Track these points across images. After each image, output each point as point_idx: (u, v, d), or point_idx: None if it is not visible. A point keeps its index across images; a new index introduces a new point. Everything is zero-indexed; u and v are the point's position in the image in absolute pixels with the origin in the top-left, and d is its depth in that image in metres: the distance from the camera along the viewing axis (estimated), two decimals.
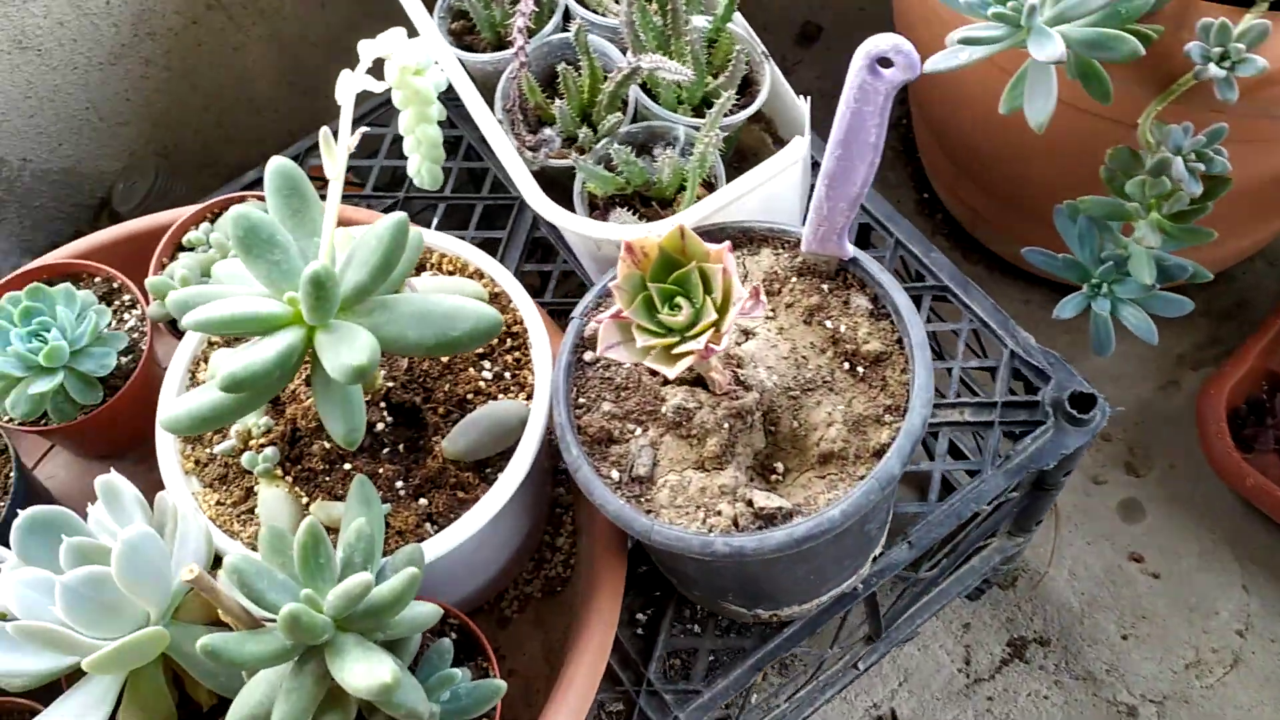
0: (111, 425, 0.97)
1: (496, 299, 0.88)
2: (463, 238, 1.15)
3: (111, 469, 0.78)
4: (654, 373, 0.81)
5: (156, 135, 1.30)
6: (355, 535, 0.71)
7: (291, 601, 0.68)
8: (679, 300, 0.71)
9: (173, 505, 0.81)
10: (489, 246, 1.12)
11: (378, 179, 1.19)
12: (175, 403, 0.74)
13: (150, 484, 0.80)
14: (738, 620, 0.93)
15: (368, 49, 0.83)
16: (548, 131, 1.00)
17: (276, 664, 0.69)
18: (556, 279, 1.12)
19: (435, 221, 1.14)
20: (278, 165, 0.77)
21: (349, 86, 0.79)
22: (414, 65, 0.86)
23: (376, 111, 1.20)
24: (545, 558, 0.96)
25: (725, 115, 0.92)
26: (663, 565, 0.90)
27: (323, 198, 0.77)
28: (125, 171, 1.30)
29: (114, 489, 0.80)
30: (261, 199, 1.00)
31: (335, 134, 0.77)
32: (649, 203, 0.97)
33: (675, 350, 0.71)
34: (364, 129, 0.77)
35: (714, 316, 0.70)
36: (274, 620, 0.70)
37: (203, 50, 1.26)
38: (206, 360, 0.87)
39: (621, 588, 0.87)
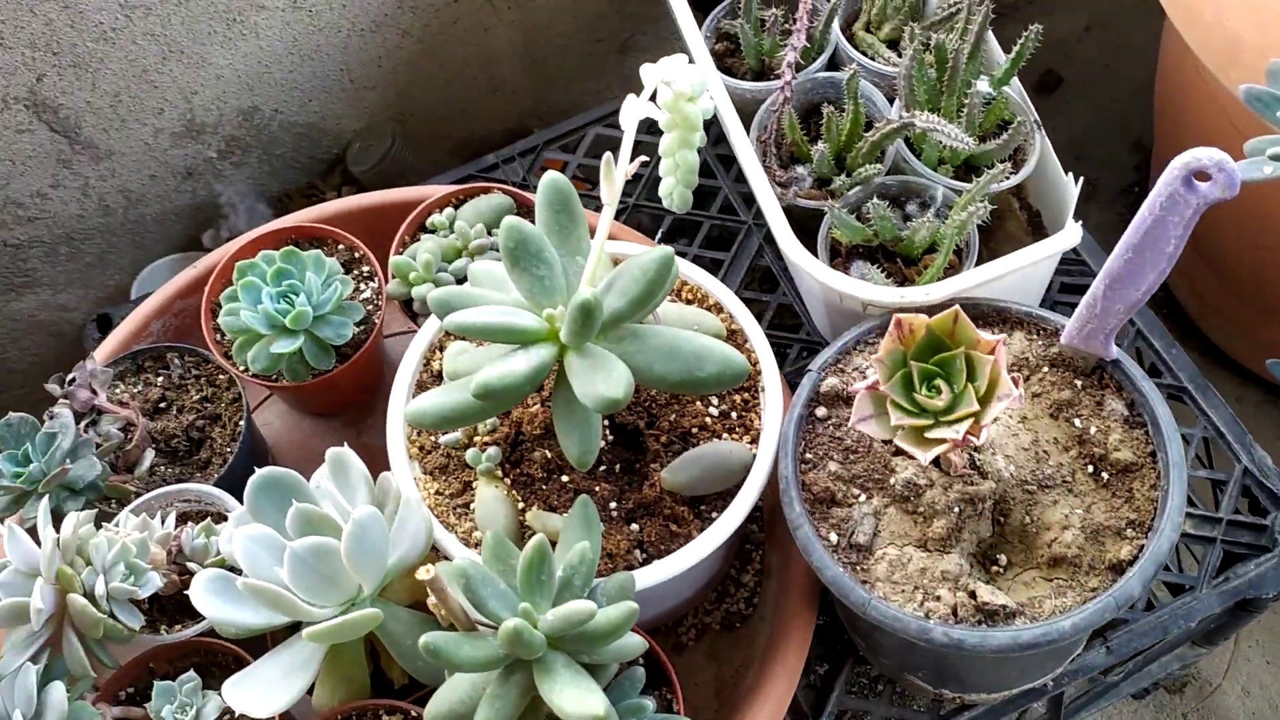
0: (331, 389, 1.00)
1: (733, 336, 0.88)
2: (684, 254, 1.16)
3: (332, 437, 0.80)
4: (888, 440, 0.80)
5: (397, 103, 1.34)
6: (579, 558, 0.72)
7: (510, 613, 0.70)
8: (939, 382, 0.70)
9: (396, 488, 0.83)
10: (711, 267, 1.12)
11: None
12: (423, 399, 0.77)
13: (355, 447, 0.82)
14: (918, 694, 0.91)
15: (651, 74, 0.83)
16: (800, 170, 0.99)
17: (486, 670, 0.71)
18: (774, 310, 1.12)
19: (659, 235, 1.15)
20: (552, 180, 0.78)
21: (633, 112, 0.79)
22: (689, 91, 0.86)
23: (609, 117, 1.21)
24: (728, 591, 0.96)
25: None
26: (854, 628, 0.89)
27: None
28: (362, 133, 1.34)
29: (343, 462, 0.83)
30: (504, 188, 1.02)
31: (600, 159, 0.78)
32: (892, 258, 0.95)
33: (929, 434, 0.70)
34: (643, 159, 0.78)
35: (974, 407, 0.69)
36: (489, 625, 0.72)
37: (456, 28, 1.29)
38: (441, 349, 0.89)
39: (808, 643, 0.87)
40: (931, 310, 0.83)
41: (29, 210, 1.23)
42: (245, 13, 1.15)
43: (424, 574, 0.67)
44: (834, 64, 1.03)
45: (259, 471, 0.80)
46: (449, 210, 1.02)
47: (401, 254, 0.99)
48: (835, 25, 1.01)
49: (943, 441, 0.68)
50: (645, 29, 1.42)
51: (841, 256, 0.96)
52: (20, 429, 0.89)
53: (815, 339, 1.08)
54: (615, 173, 0.76)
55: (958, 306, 0.69)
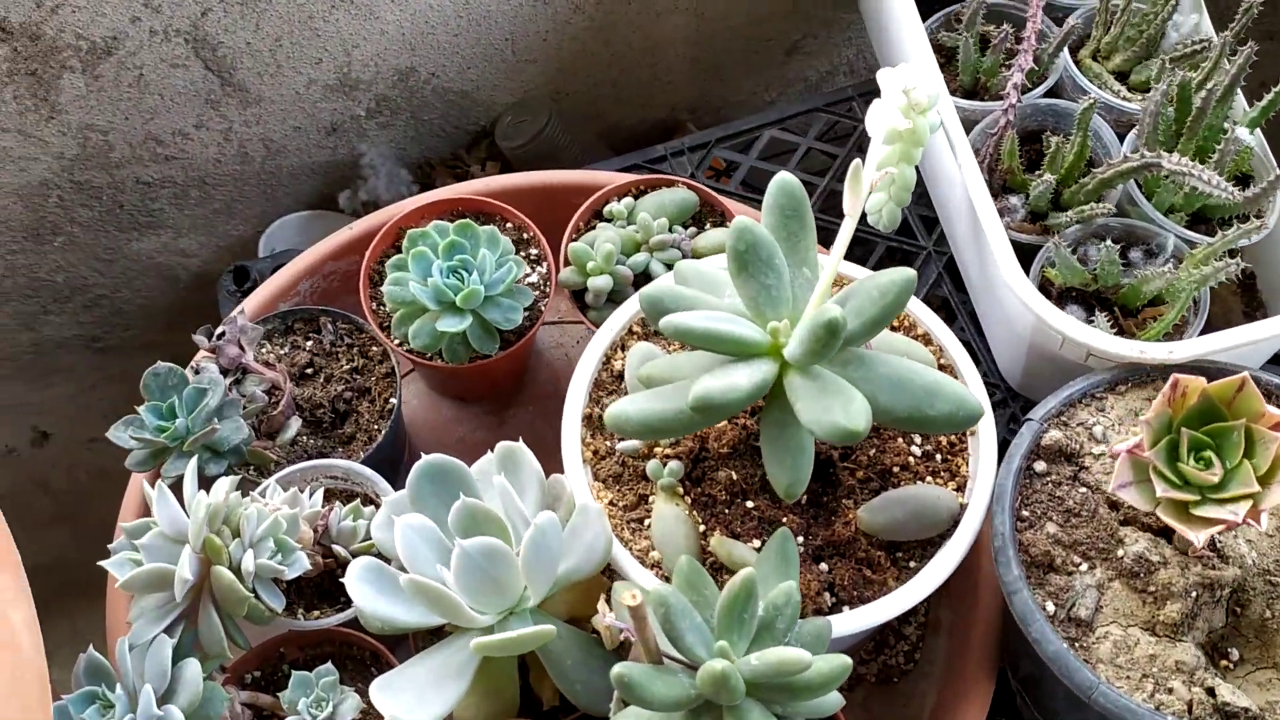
0: (483, 375, 0.95)
1: (944, 371, 0.81)
2: None
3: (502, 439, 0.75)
4: (1114, 505, 0.73)
5: (556, 79, 1.28)
6: (784, 599, 0.66)
7: (705, 651, 0.64)
8: (1208, 454, 0.64)
9: (569, 493, 0.77)
10: None
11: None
12: (627, 404, 0.71)
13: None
14: None
15: (891, 79, 0.77)
16: (1013, 200, 0.93)
17: (675, 710, 0.65)
18: None
19: (874, 259, 1.09)
20: (784, 182, 0.72)
21: (880, 118, 0.73)
22: (925, 103, 0.80)
23: (786, 121, 1.15)
24: (887, 642, 0.90)
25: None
26: (1039, 704, 0.83)
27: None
28: (514, 107, 1.29)
29: (516, 458, 0.78)
30: (689, 184, 0.96)
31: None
32: (1107, 305, 0.89)
33: (1195, 510, 0.63)
34: (891, 170, 0.72)
35: (1253, 487, 0.62)
36: (680, 661, 0.66)
37: (630, 8, 1.23)
38: (623, 348, 0.84)
39: (985, 715, 0.80)
40: (1166, 370, 0.77)
41: (167, 149, 1.18)
42: None
43: (629, 599, 0.61)
44: (1053, 91, 0.96)
45: (425, 458, 0.75)
46: (628, 200, 0.96)
47: (577, 240, 0.93)
48: (1065, 51, 0.94)
49: (1216, 522, 0.62)
50: (817, 32, 1.35)
51: (1051, 297, 0.89)
52: (168, 380, 0.84)
53: (993, 381, 1.01)
54: (862, 181, 0.70)
55: (1246, 374, 0.63)
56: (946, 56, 0.99)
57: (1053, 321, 0.81)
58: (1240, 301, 0.94)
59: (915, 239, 1.10)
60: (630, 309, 0.83)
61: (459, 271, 0.88)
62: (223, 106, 1.16)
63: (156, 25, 1.05)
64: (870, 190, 0.70)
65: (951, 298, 1.06)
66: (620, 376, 0.83)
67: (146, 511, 0.89)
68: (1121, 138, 0.92)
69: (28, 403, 1.45)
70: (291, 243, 1.30)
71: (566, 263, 0.93)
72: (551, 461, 0.88)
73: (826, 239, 1.09)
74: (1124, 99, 0.93)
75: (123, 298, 1.35)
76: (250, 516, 0.75)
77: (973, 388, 0.79)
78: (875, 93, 1.14)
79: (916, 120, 0.81)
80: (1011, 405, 1.00)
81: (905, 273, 0.68)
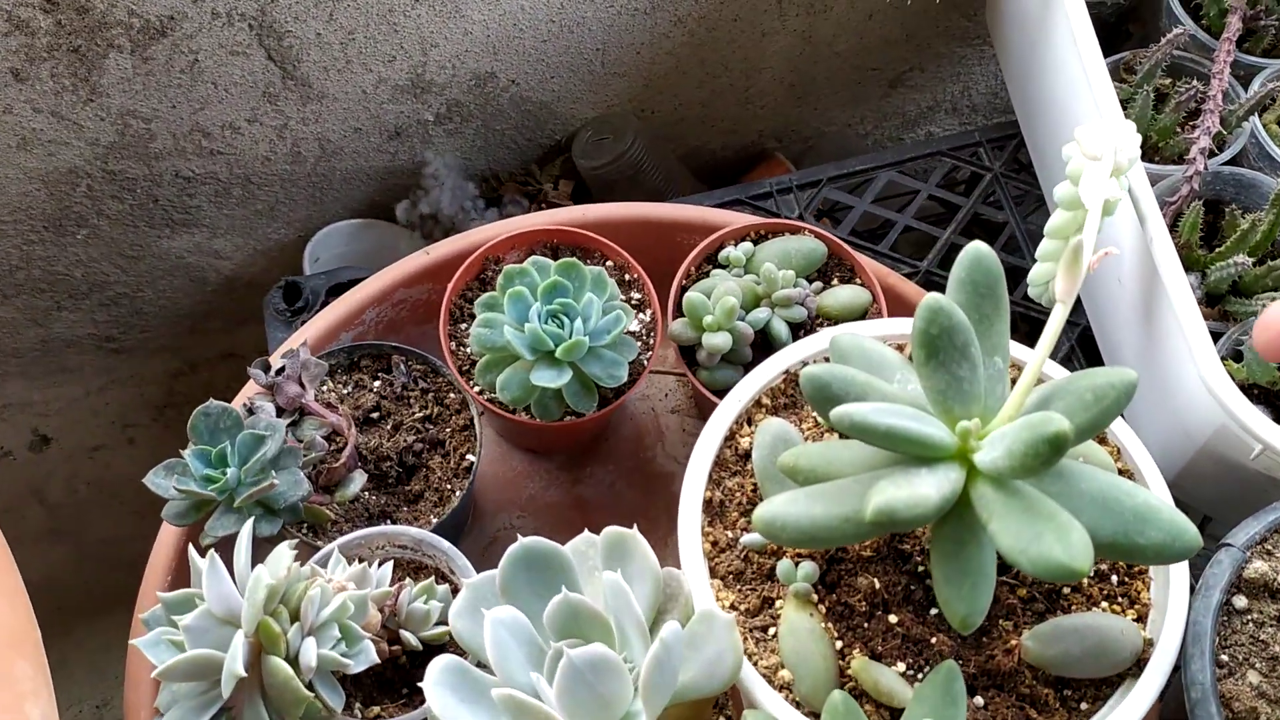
0: (569, 433, 0.84)
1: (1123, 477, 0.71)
2: None
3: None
4: None
5: (642, 95, 1.18)
6: None
7: None
8: None
9: (687, 594, 0.67)
10: None
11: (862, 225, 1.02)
12: (780, 505, 0.60)
13: (570, 497, 0.68)
14: None
15: (1098, 140, 0.67)
16: (1189, 279, 0.82)
17: None
18: None
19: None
20: (978, 254, 0.62)
21: (1097, 189, 0.63)
22: (1125, 166, 0.69)
23: (906, 164, 1.05)
24: None
25: None
26: None
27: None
28: (594, 122, 1.18)
29: (626, 548, 0.67)
30: (818, 233, 0.86)
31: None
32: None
33: None
34: (1114, 250, 0.61)
35: None
36: None
37: (735, 26, 1.13)
38: (749, 421, 0.73)
39: None
40: None
41: (214, 142, 1.07)
42: None
43: None
44: (1236, 159, 0.86)
45: (521, 542, 0.64)
46: (746, 245, 0.85)
47: (689, 287, 0.83)
48: (1256, 115, 0.84)
49: None
50: (926, 65, 1.25)
51: None
52: (220, 422, 0.73)
53: None
54: (1082, 263, 0.59)
55: None
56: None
57: (1257, 429, 0.70)
58: None
59: (1041, 306, 0.99)
60: (761, 378, 0.73)
61: (560, 317, 0.77)
62: (281, 101, 1.05)
63: (220, 7, 0.94)
64: (1088, 271, 0.60)
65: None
66: (746, 456, 0.72)
67: (179, 572, 0.78)
68: None
69: (29, 403, 1.33)
70: (338, 252, 1.20)
71: (676, 312, 0.82)
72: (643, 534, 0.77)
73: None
74: None
75: (144, 298, 1.24)
76: (313, 598, 0.64)
77: (1161, 498, 0.69)
78: (1003, 139, 1.05)
79: (1108, 184, 0.71)
80: None
81: (1125, 375, 0.57)
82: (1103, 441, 0.72)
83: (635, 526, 0.64)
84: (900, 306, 0.89)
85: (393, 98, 1.09)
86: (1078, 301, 0.98)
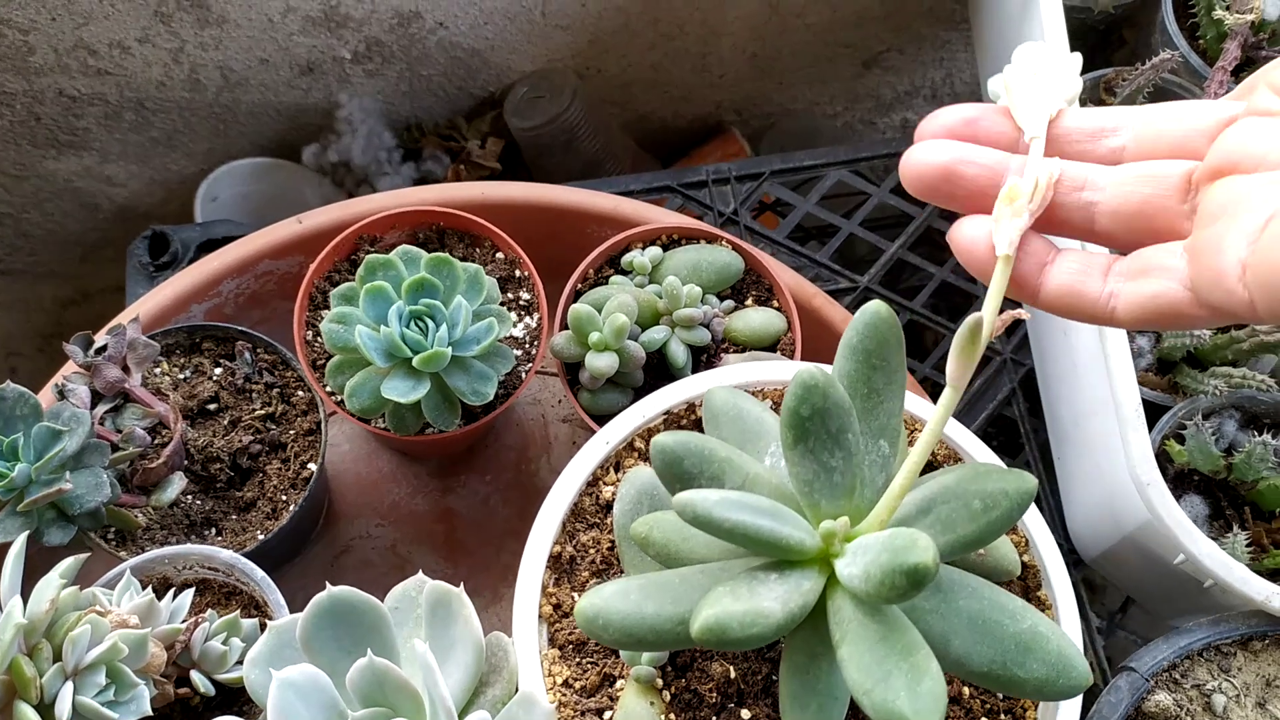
0: (432, 446, 0.76)
1: (1029, 573, 0.63)
2: (910, 372, 0.91)
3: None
4: None
5: (587, 52, 1.08)
6: None
7: None
8: None
9: (513, 667, 0.59)
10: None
11: (807, 224, 0.93)
12: (608, 595, 0.52)
13: (439, 509, 0.63)
14: None
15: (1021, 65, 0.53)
16: (1140, 340, 0.74)
17: None
18: None
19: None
20: (875, 317, 0.52)
21: (1034, 112, 0.50)
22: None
23: (859, 163, 0.95)
24: None
25: None
26: None
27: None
28: (532, 77, 1.08)
29: (448, 610, 0.59)
30: (738, 245, 0.76)
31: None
32: (1236, 498, 0.70)
33: None
34: (1023, 314, 0.51)
35: None
36: None
37: None
38: (617, 467, 0.64)
39: None
40: None
41: (102, 61, 0.97)
42: None
43: None
44: None
45: (329, 593, 0.56)
46: (654, 250, 0.76)
47: (584, 292, 0.74)
48: None
49: None
50: (905, 46, 1.15)
51: (1168, 476, 0.71)
52: (16, 408, 0.64)
53: (1058, 540, 0.83)
54: (979, 343, 0.49)
55: None
56: None
57: (1182, 539, 0.62)
58: None
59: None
60: (635, 418, 0.64)
61: (424, 320, 0.68)
62: (175, 22, 0.95)
63: None
64: (996, 332, 0.50)
65: (1023, 421, 0.87)
66: (608, 508, 0.64)
67: None
68: None
69: None
70: (239, 192, 1.10)
71: (564, 324, 0.73)
72: (500, 561, 0.70)
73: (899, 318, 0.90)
74: None
75: (30, 220, 1.14)
76: (78, 637, 0.56)
77: (1061, 608, 0.61)
78: None
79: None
80: (1073, 574, 0.82)
81: (1022, 483, 0.49)
82: (1012, 529, 0.64)
83: (500, 551, 0.56)
84: (825, 333, 0.80)
85: (303, 29, 0.98)
86: (1024, 339, 0.89)
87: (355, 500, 0.81)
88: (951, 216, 0.91)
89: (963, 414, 0.87)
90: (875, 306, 0.52)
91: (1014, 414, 0.88)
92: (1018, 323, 0.90)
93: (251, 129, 1.08)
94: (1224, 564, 0.61)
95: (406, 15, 0.99)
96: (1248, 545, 0.66)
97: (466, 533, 0.81)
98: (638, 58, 1.10)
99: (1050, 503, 0.84)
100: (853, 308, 0.89)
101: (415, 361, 0.67)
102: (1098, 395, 0.69)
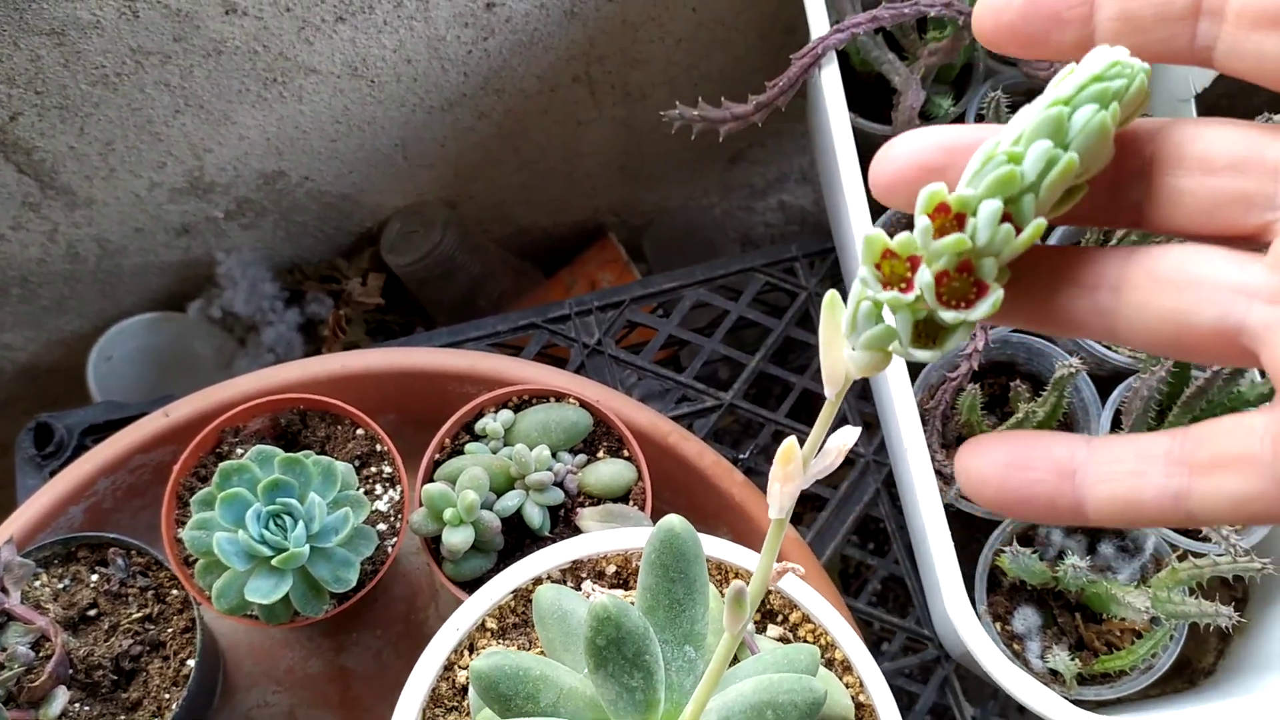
0: (314, 623, 0.79)
1: (859, 714, 0.67)
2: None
3: None
4: None
5: (455, 184, 1.12)
6: None
7: None
8: None
9: None
10: (808, 508, 0.91)
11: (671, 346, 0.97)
12: None
13: (332, 668, 0.65)
14: None
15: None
16: None
17: None
18: (880, 581, 0.91)
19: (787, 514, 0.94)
20: (670, 532, 0.56)
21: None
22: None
23: (718, 279, 0.99)
24: None
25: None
26: None
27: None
28: (406, 212, 1.12)
29: None
30: (584, 401, 0.81)
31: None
32: (1068, 608, 0.75)
33: None
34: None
35: None
36: None
37: (546, 117, 1.06)
38: (472, 649, 0.68)
39: None
40: None
41: None
42: (290, 74, 0.92)
43: None
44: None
45: None
46: (506, 414, 0.80)
47: (442, 462, 0.78)
48: None
49: None
50: (766, 141, 1.19)
51: (1002, 590, 0.75)
52: None
53: (925, 634, 0.87)
54: (744, 610, 0.52)
55: None
56: None
57: (994, 672, 0.66)
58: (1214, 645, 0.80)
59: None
60: (484, 601, 0.68)
61: (281, 518, 0.72)
62: (45, 209, 0.98)
63: None
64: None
65: (888, 521, 0.92)
66: (464, 690, 0.67)
67: None
68: (1104, 393, 0.77)
69: None
70: (133, 347, 1.14)
71: (421, 502, 0.77)
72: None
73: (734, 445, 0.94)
74: (1116, 350, 0.79)
75: None
76: None
77: None
78: (821, 252, 1.00)
79: None
80: (944, 667, 0.86)
81: (812, 695, 0.53)
82: (846, 669, 0.69)
83: (395, 705, 0.60)
84: (682, 469, 0.85)
85: (171, 199, 1.02)
86: (884, 439, 0.93)
87: (251, 670, 0.85)
88: (807, 326, 0.95)
89: (833, 516, 0.92)
90: (670, 523, 0.56)
91: (880, 514, 0.92)
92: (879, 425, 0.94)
93: (138, 287, 1.12)
94: (1036, 696, 0.65)
95: (271, 175, 1.03)
96: (1073, 657, 0.71)
97: (362, 689, 0.85)
98: (506, 181, 1.14)
99: (918, 600, 0.88)
100: (716, 428, 0.94)
101: (275, 561, 0.70)
102: (921, 525, 0.74)
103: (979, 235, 0.32)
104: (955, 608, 0.67)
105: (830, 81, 0.80)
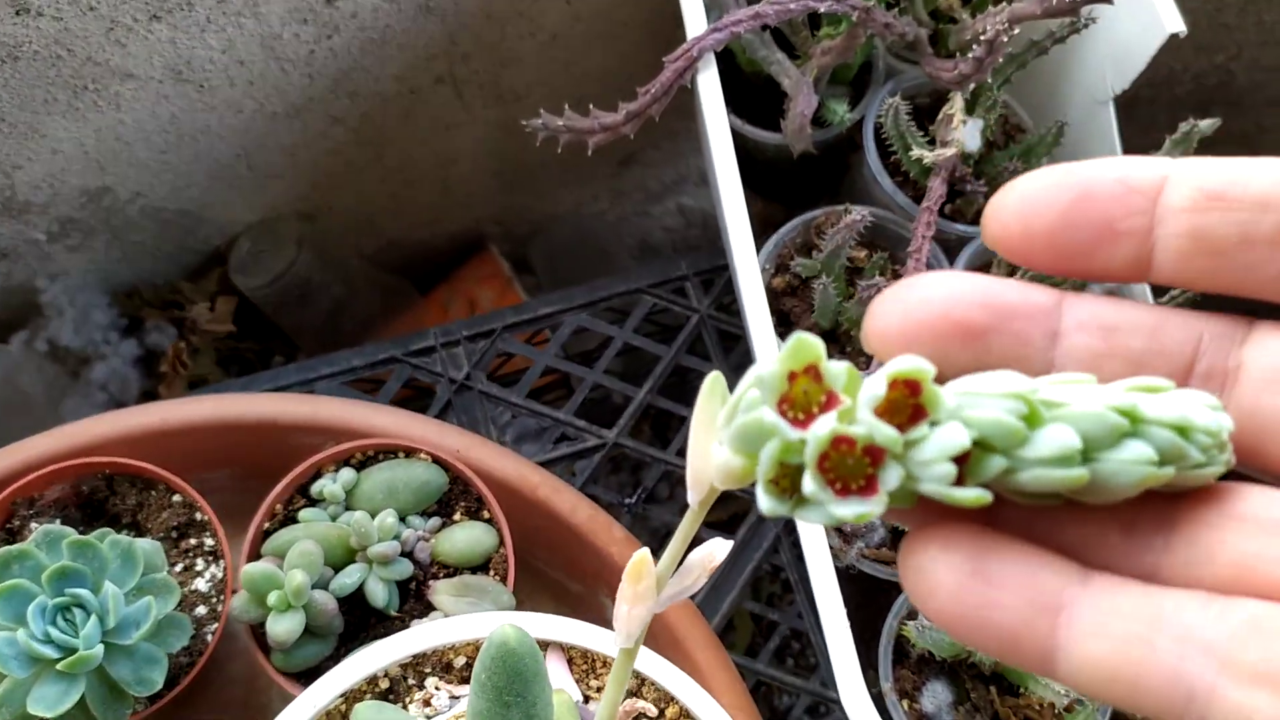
0: None
1: None
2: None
3: None
4: None
5: (311, 195, 1.01)
6: None
7: None
8: None
9: None
10: None
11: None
12: None
13: None
14: None
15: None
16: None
17: None
18: (781, 638, 0.83)
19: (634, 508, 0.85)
20: (501, 649, 0.47)
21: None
22: None
23: (604, 302, 0.90)
24: None
25: None
26: None
27: None
28: (256, 228, 1.01)
29: None
30: (435, 455, 0.71)
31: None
32: (982, 679, 0.67)
33: None
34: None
35: None
36: None
37: (409, 122, 0.96)
38: None
39: None
40: None
41: None
42: (103, 80, 0.81)
43: None
44: None
45: None
46: (347, 474, 0.71)
47: (272, 532, 0.68)
48: None
49: None
50: (660, 143, 1.11)
51: (909, 662, 0.68)
52: None
53: (830, 695, 0.80)
54: (620, 700, 0.45)
55: None
56: (802, 282, 0.76)
57: None
58: None
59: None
60: (308, 707, 0.59)
61: (71, 612, 0.62)
62: None
63: None
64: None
65: (790, 571, 0.84)
66: None
67: None
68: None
69: None
70: None
71: (242, 586, 0.67)
72: None
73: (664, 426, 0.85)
74: None
75: None
76: None
77: None
78: (714, 270, 0.91)
79: None
80: None
81: None
82: None
83: None
84: (554, 527, 0.76)
85: None
86: None
87: None
88: (700, 353, 0.87)
89: (729, 567, 0.84)
90: (503, 635, 0.47)
91: (781, 561, 0.84)
92: None
93: None
94: None
95: (95, 191, 0.92)
96: (974, 713, 0.63)
97: None
98: (372, 190, 1.04)
99: (823, 658, 0.81)
100: (599, 469, 0.85)
101: (61, 665, 0.60)
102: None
103: (915, 457, 0.25)
104: (850, 695, 0.59)
105: (708, 88, 0.71)
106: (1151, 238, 0.27)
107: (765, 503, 0.27)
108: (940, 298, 0.27)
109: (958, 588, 0.26)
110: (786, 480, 0.27)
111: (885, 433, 0.25)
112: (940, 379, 0.27)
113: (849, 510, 0.26)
